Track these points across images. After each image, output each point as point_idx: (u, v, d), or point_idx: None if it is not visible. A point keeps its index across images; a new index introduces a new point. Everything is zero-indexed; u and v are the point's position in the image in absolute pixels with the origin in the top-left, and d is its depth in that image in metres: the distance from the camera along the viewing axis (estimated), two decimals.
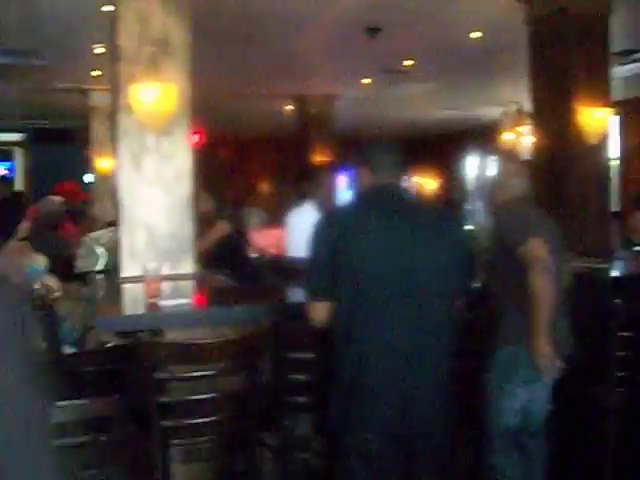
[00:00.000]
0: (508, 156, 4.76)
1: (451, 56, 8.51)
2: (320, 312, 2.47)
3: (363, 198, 2.60)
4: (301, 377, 2.89)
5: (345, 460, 2.45)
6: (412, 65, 8.91)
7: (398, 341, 2.36)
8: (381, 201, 2.49)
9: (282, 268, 5.05)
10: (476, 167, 14.74)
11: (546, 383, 3.17)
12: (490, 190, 3.44)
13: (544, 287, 2.85)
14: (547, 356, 2.92)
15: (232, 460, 2.93)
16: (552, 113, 5.61)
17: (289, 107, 11.76)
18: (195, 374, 2.66)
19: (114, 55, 4.18)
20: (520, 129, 10.36)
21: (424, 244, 2.41)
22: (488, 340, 3.14)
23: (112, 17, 4.24)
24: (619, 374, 3.25)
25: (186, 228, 4.17)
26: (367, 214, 2.46)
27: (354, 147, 2.74)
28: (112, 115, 4.45)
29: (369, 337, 2.36)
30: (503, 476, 3.25)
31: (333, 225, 2.46)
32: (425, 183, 14.37)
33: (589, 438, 3.56)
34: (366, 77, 9.72)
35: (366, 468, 2.39)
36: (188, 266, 4.16)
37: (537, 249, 2.87)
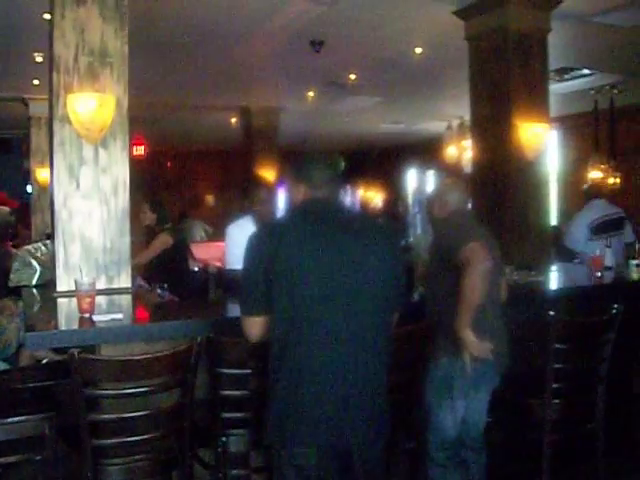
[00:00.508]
0: (447, 170, 4.84)
1: (395, 71, 8.60)
2: (255, 327, 2.44)
3: (298, 212, 2.57)
4: (237, 393, 2.84)
5: (281, 475, 2.41)
6: (356, 79, 8.98)
7: (334, 356, 2.35)
8: (316, 215, 2.46)
9: (224, 281, 5.00)
10: (416, 181, 14.96)
11: (483, 396, 3.21)
12: (429, 203, 3.47)
13: (476, 280, 2.86)
14: (471, 343, 2.91)
15: (167, 478, 2.87)
16: (491, 128, 5.70)
17: (234, 119, 11.72)
18: (128, 391, 2.60)
19: (51, 64, 4.09)
20: (463, 143, 10.53)
21: (360, 258, 2.40)
22: (426, 352, 3.15)
23: (50, 26, 4.15)
24: (555, 385, 3.28)
25: (123, 241, 4.09)
26: (301, 228, 2.41)
27: (290, 161, 2.71)
28: (49, 125, 4.35)
29: (305, 352, 2.33)
30: None
31: (266, 239, 2.41)
32: (370, 196, 14.46)
33: (526, 449, 3.59)
34: (310, 90, 9.75)
35: None
36: (125, 280, 4.07)
37: (475, 251, 2.89)
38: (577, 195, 10.03)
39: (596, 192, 6.38)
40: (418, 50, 7.55)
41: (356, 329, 2.37)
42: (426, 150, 13.17)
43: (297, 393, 2.33)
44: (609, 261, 4.80)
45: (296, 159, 2.62)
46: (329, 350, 2.34)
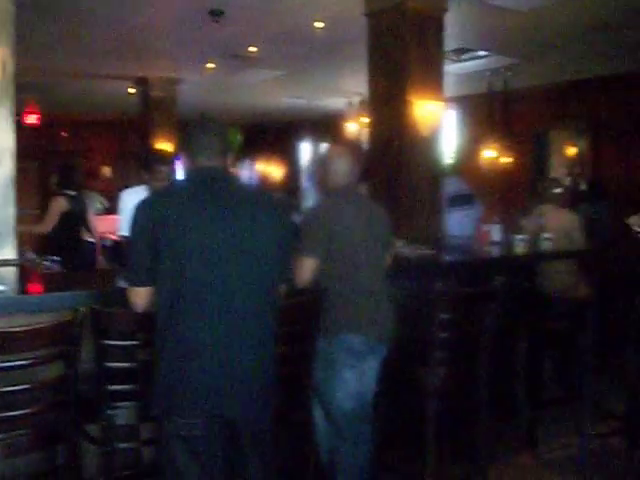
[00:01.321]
0: (336, 143, 4.87)
1: (296, 44, 8.55)
2: (140, 297, 2.42)
3: (184, 181, 2.54)
4: (124, 364, 2.79)
5: (168, 446, 2.40)
6: (257, 51, 8.88)
7: (220, 326, 2.35)
8: (203, 185, 2.44)
9: (119, 253, 4.89)
10: (310, 154, 15.04)
11: (372, 365, 3.28)
12: (317, 176, 3.50)
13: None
14: None
15: (52, 454, 2.80)
16: (388, 105, 5.78)
17: (131, 89, 11.39)
18: (8, 364, 2.51)
19: None
20: (363, 120, 10.63)
21: (246, 229, 2.40)
22: (315, 325, 3.20)
23: None
24: (440, 354, 3.40)
25: (7, 212, 3.92)
26: (186, 198, 2.40)
27: (182, 131, 2.68)
28: None
29: (191, 322, 2.32)
30: (331, 457, 3.32)
31: (150, 211, 2.38)
32: (270, 171, 14.45)
33: (413, 417, 3.71)
34: (210, 62, 9.58)
35: (189, 454, 2.36)
36: (9, 252, 3.91)
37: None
38: (475, 171, 10.42)
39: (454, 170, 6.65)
40: (319, 24, 7.53)
41: (242, 300, 2.38)
42: (327, 126, 13.22)
43: (183, 363, 2.32)
44: (496, 236, 4.99)
45: (186, 129, 2.59)
46: (215, 320, 2.34)
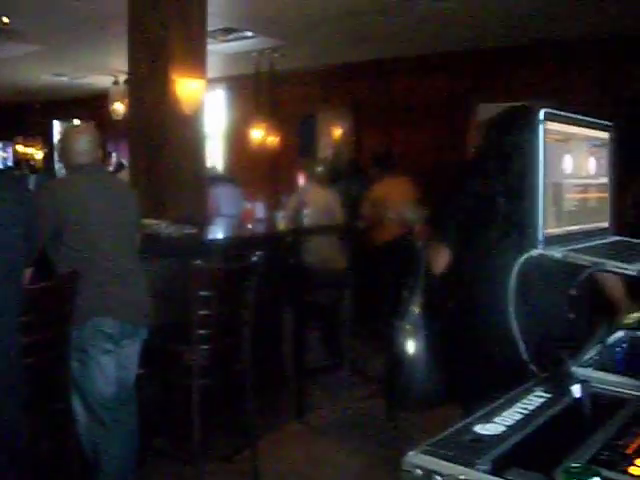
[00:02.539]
0: (79, 123, 4.73)
1: (54, 17, 8.02)
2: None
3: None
4: None
5: None
6: (10, 23, 8.24)
7: None
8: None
9: None
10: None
11: (130, 349, 3.22)
12: (58, 154, 3.39)
13: None
14: None
15: None
16: (149, 84, 5.63)
17: None
18: None
19: None
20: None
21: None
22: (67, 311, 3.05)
23: None
24: (202, 332, 3.39)
25: None
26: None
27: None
28: None
29: None
30: (94, 448, 3.20)
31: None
32: (29, 152, 13.63)
33: (179, 397, 3.69)
34: None
35: None
36: None
37: None
38: (242, 151, 10.53)
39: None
40: None
41: None
42: (94, 105, 12.65)
43: None
44: (260, 213, 5.10)
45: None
46: None
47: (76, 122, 12.08)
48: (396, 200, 5.43)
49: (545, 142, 1.48)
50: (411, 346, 2.54)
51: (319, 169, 5.82)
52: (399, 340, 2.56)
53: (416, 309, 2.60)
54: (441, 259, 2.52)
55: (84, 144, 3.22)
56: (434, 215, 2.82)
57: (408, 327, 2.58)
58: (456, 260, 2.50)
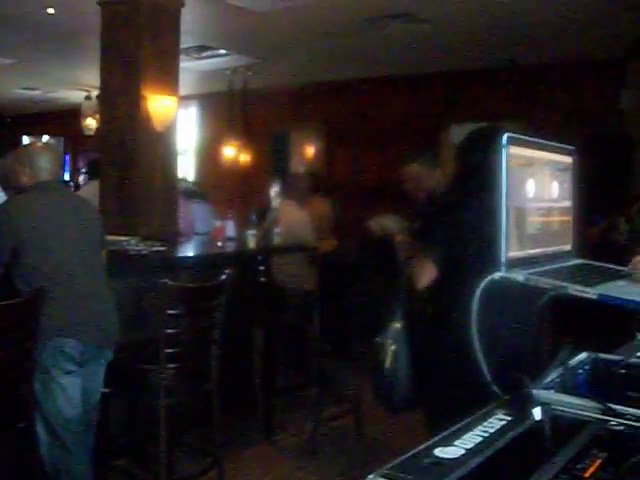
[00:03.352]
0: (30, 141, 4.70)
1: (27, 31, 7.97)
2: None
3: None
4: None
5: None
6: None
7: None
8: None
9: None
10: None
11: (93, 370, 3.18)
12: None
13: None
14: None
15: None
16: (121, 100, 5.61)
17: None
18: None
19: None
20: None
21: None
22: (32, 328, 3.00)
23: None
24: (170, 351, 3.35)
25: None
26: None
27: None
28: None
29: None
30: (56, 468, 3.14)
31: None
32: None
33: (146, 417, 3.65)
34: None
35: None
36: None
37: None
38: (214, 168, 10.53)
39: None
40: (50, 10, 7.12)
41: None
42: (65, 121, 12.57)
43: None
44: (231, 231, 5.08)
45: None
46: None
47: (45, 138, 12.00)
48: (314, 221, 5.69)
49: (508, 166, 1.50)
50: (392, 359, 2.58)
51: (290, 188, 5.83)
52: (381, 355, 2.61)
53: (397, 324, 2.64)
54: (426, 275, 2.53)
55: (44, 162, 3.19)
56: (420, 230, 2.85)
57: (389, 341, 2.61)
58: (440, 276, 2.52)
